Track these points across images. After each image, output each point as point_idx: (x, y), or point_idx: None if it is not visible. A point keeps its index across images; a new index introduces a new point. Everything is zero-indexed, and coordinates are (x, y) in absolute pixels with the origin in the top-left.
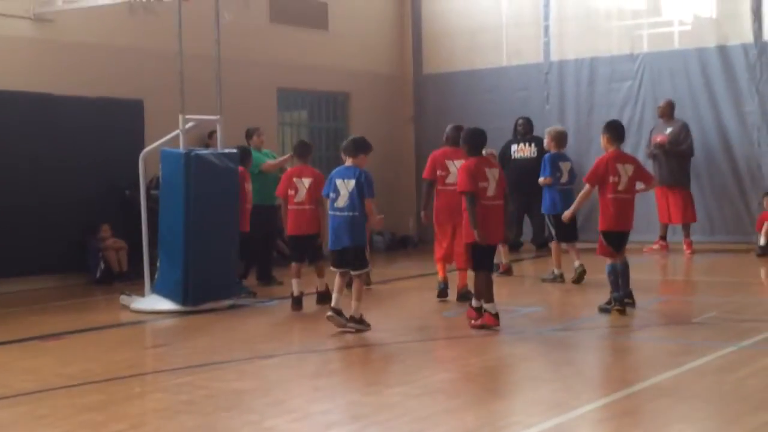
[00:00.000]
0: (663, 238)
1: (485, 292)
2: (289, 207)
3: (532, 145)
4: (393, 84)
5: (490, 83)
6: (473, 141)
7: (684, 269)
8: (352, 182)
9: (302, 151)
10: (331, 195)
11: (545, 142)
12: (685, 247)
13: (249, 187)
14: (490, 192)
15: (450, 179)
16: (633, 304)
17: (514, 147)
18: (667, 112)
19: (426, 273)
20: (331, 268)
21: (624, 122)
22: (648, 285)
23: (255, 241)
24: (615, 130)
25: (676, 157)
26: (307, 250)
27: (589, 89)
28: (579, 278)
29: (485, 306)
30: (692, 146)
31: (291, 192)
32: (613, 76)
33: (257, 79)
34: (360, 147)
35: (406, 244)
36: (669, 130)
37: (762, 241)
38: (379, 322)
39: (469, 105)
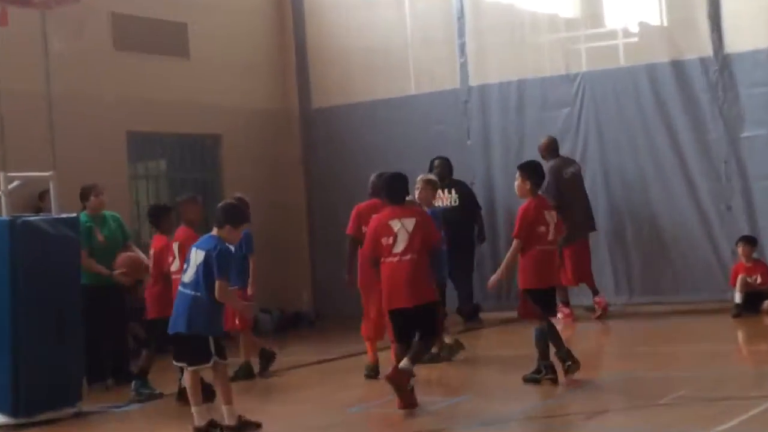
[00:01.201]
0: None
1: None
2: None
3: (453, 191)
4: (275, 122)
5: (397, 116)
6: (392, 188)
7: (647, 337)
8: (202, 255)
9: (156, 216)
10: (185, 265)
11: None
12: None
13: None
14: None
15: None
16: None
17: None
18: (547, 152)
19: (328, 357)
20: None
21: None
22: (604, 358)
23: (95, 330)
24: (536, 174)
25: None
26: None
27: (518, 118)
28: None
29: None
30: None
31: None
32: (546, 101)
33: (101, 122)
34: (228, 217)
35: (299, 323)
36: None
37: (737, 298)
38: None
39: (370, 144)
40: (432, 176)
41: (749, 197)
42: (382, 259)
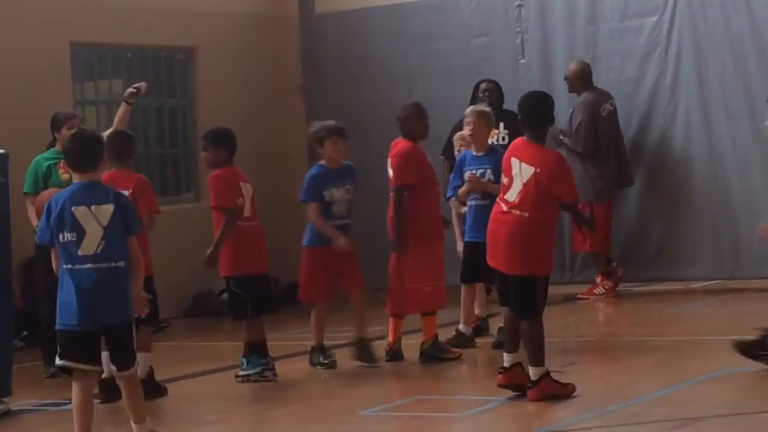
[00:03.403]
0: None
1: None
2: None
3: (502, 125)
4: (268, 32)
5: (428, 24)
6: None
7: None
8: None
9: (118, 147)
10: (68, 236)
11: None
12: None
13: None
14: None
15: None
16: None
17: None
18: (579, 81)
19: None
20: (78, 367)
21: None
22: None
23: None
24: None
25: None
26: None
27: (588, 30)
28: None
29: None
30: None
31: None
32: (627, 6)
33: (34, 30)
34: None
35: (296, 296)
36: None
37: None
38: None
39: (393, 62)
40: (485, 107)
41: None
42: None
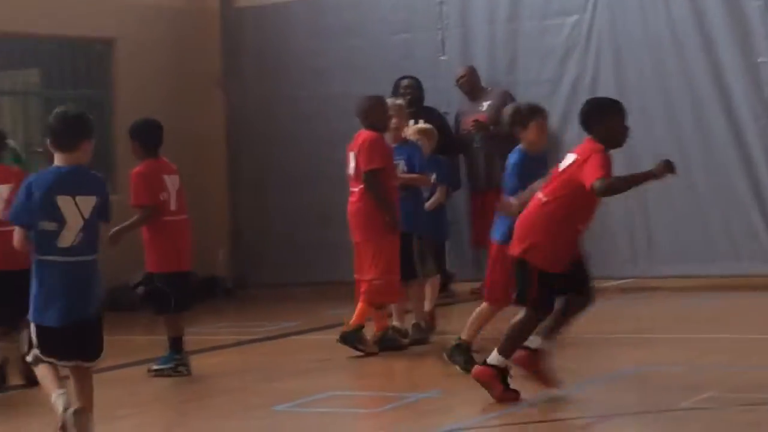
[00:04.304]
0: None
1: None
2: None
3: (422, 122)
4: (187, 24)
5: (350, 20)
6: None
7: (669, 319)
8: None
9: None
10: (48, 226)
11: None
12: None
13: None
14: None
15: None
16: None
17: None
18: (473, 82)
19: (252, 338)
20: (44, 358)
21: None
22: (611, 346)
23: None
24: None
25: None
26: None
27: (510, 28)
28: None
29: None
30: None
31: None
32: (548, 5)
33: None
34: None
35: (214, 291)
36: (487, 104)
37: None
38: None
39: (314, 56)
40: (401, 101)
41: None
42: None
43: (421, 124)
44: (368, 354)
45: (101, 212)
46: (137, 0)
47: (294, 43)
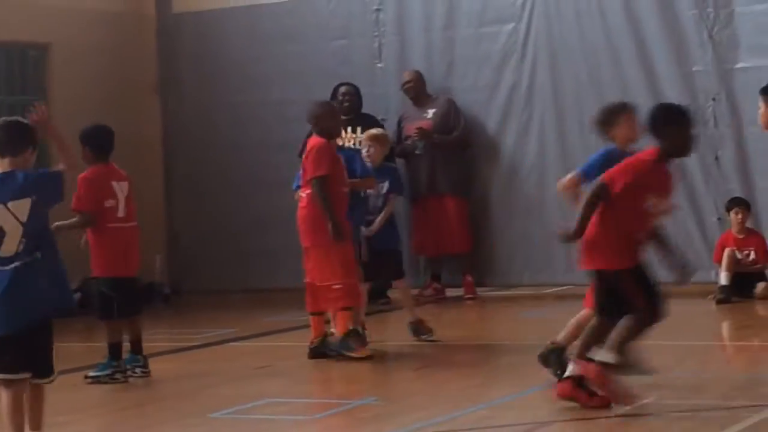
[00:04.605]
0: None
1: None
2: None
3: (359, 130)
4: (123, 30)
5: (286, 26)
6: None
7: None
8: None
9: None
10: None
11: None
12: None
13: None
14: None
15: None
16: None
17: None
18: (419, 87)
19: (189, 345)
20: (11, 378)
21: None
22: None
23: None
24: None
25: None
26: None
27: (446, 35)
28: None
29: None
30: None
31: None
32: (484, 12)
33: None
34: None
35: (151, 297)
36: (432, 111)
37: (723, 279)
38: None
39: (250, 63)
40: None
41: (742, 146)
42: None
43: (374, 130)
44: (363, 359)
45: (46, 202)
46: (73, 5)
47: (231, 49)
